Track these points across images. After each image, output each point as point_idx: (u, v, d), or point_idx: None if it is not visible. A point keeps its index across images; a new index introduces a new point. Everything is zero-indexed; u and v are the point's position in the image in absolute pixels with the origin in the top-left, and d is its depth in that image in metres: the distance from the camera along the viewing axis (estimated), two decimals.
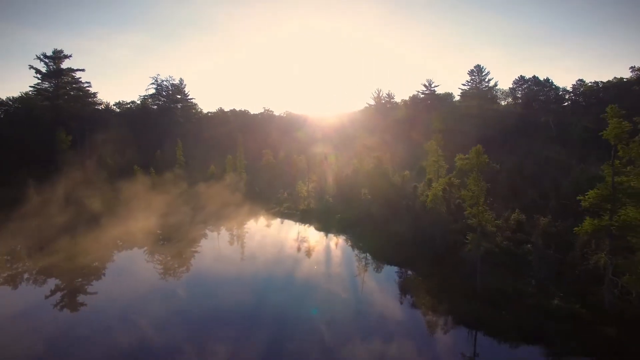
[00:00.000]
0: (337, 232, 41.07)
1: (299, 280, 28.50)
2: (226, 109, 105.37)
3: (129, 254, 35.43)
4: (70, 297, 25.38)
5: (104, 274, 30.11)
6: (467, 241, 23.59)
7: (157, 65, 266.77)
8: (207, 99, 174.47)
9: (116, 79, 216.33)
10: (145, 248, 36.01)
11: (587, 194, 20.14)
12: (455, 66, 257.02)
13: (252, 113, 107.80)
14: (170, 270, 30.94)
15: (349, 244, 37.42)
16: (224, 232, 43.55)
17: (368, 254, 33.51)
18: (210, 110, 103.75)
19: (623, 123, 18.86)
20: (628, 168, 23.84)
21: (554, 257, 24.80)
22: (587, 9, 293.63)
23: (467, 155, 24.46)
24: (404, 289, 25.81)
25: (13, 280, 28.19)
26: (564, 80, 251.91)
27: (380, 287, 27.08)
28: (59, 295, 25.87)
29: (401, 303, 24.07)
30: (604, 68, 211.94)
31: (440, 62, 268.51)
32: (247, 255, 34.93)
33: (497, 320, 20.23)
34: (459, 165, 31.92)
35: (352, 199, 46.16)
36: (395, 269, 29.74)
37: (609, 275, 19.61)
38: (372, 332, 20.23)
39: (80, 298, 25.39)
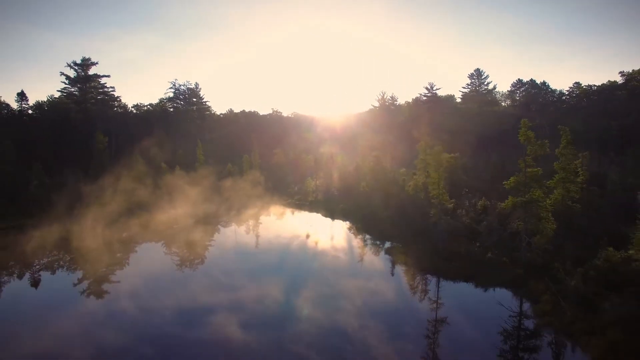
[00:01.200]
0: (340, 217, 52.96)
1: (309, 248, 40.27)
2: (234, 109, 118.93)
3: (190, 228, 48.50)
4: (153, 253, 40.26)
5: (173, 243, 43.13)
6: (431, 215, 34.86)
7: (164, 66, 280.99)
8: (214, 98, 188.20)
9: (124, 80, 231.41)
10: (199, 225, 49.94)
11: (509, 180, 31.25)
12: (458, 65, 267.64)
13: (261, 114, 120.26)
14: (221, 238, 45.85)
15: (349, 225, 49.21)
16: (252, 216, 57.30)
17: (364, 232, 45.05)
18: (219, 110, 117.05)
19: (528, 132, 29.98)
20: (555, 165, 34.92)
21: (499, 228, 35.92)
22: (590, 9, 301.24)
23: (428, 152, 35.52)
24: (388, 252, 37.20)
25: (106, 245, 40.43)
26: (568, 80, 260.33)
27: (370, 252, 38.70)
28: (148, 249, 41.09)
29: (385, 260, 35.43)
30: (609, 68, 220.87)
31: (443, 61, 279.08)
32: (272, 232, 48.16)
33: (448, 269, 31.39)
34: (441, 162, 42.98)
35: (354, 192, 57.63)
36: (385, 241, 41.04)
37: (523, 235, 30.68)
38: (361, 276, 31.66)
39: (159, 254, 39.43)
